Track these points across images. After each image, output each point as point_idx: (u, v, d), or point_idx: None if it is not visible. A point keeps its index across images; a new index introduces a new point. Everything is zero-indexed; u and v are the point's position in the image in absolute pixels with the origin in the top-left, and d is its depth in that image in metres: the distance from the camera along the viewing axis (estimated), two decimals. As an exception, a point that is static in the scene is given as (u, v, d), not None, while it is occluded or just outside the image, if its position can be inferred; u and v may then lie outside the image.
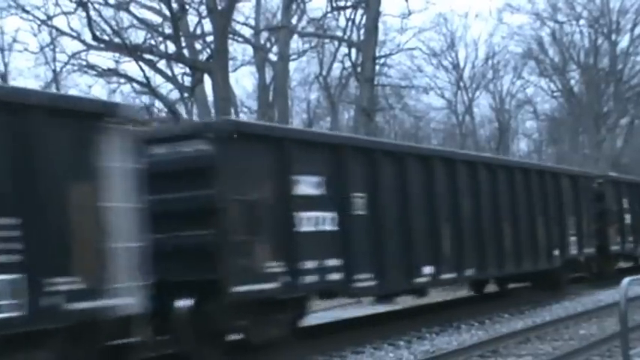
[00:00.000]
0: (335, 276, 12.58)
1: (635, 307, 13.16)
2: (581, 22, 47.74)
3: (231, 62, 29.78)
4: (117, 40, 27.31)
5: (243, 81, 61.97)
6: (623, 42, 47.97)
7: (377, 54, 31.32)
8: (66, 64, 31.66)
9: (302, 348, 12.69)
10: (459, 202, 16.31)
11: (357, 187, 13.35)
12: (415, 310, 17.53)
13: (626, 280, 8.67)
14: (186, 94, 29.64)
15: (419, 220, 14.96)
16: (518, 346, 13.05)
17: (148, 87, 30.49)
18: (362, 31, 30.91)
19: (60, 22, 42.24)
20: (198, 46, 30.11)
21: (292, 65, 38.26)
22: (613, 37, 47.72)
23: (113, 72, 31.18)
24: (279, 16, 33.53)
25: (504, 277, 19.25)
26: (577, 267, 22.62)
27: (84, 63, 31.18)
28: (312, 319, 15.00)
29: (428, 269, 15.02)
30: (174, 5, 26.67)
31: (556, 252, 20.32)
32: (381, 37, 33.03)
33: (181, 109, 30.38)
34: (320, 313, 16.36)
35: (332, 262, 12.54)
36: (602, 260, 24.30)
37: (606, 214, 24.38)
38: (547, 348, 12.75)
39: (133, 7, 28.95)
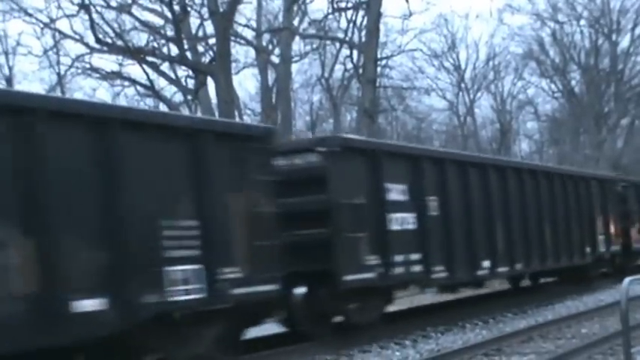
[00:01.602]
0: None
1: (635, 306, 13.27)
2: (582, 22, 47.87)
3: (233, 64, 29.90)
4: (120, 42, 27.43)
5: (246, 83, 62.23)
6: (624, 42, 48.10)
7: (378, 55, 31.38)
8: (70, 67, 31.95)
9: (310, 347, 12.86)
10: None
11: None
12: (420, 309, 17.69)
13: (627, 280, 8.83)
14: (189, 97, 29.77)
15: None
16: (521, 345, 13.18)
17: (152, 90, 30.69)
18: (363, 33, 30.99)
19: (63, 25, 42.35)
20: (200, 48, 30.24)
21: (294, 67, 38.36)
22: (613, 37, 47.81)
23: (117, 75, 31.32)
24: (280, 17, 33.69)
25: None
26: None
27: (88, 66, 31.42)
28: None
29: None
30: (176, 7, 26.79)
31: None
32: (382, 38, 33.12)
33: (185, 112, 30.50)
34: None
35: None
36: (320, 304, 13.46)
37: (331, 214, 13.07)
38: (550, 346, 12.88)
39: (134, 10, 29.11)
